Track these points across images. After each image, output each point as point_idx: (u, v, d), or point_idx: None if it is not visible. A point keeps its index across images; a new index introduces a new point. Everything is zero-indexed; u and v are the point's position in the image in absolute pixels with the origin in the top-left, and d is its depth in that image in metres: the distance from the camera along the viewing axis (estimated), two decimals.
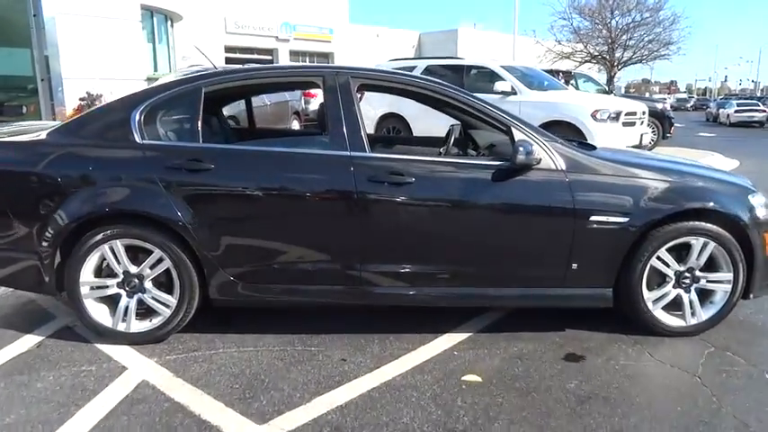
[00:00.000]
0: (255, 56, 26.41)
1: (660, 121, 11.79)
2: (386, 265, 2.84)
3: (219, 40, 24.76)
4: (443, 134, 3.86)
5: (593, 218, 2.78)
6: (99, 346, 2.83)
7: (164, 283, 2.82)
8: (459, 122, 3.80)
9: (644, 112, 8.77)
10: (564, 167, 2.83)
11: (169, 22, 17.39)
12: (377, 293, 2.89)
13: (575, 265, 2.84)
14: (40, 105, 10.73)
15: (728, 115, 25.73)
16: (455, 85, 3.21)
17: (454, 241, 2.83)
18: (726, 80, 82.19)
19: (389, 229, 2.81)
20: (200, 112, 2.85)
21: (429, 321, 3.12)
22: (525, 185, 2.80)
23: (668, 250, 2.88)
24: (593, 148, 3.26)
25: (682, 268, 2.94)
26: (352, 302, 2.95)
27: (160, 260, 2.76)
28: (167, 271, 2.78)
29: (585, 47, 25.40)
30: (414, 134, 8.85)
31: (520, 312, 3.26)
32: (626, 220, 2.79)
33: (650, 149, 9.20)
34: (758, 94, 49.65)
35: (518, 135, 2.85)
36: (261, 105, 9.63)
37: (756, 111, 25.62)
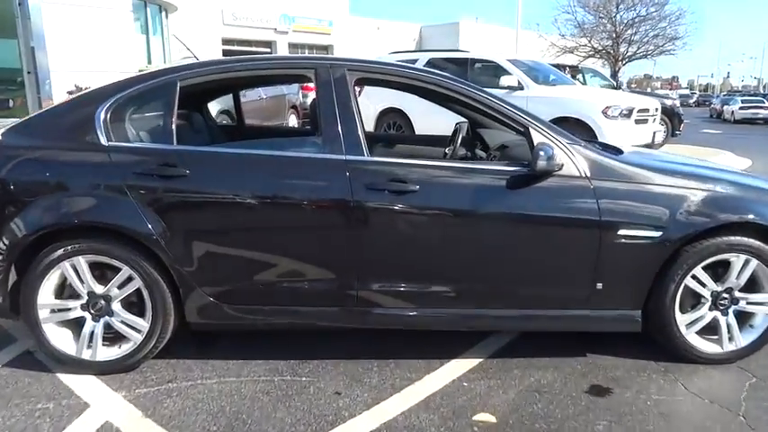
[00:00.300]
0: (253, 48, 25.98)
1: (670, 117, 11.43)
2: (386, 284, 2.51)
3: (217, 32, 24.31)
4: (449, 132, 3.55)
5: (621, 231, 2.46)
6: (61, 376, 2.50)
7: (135, 304, 2.49)
8: (466, 120, 3.47)
9: (657, 109, 8.41)
10: (588, 173, 2.50)
11: (163, 13, 16.92)
12: (376, 315, 2.56)
13: (599, 285, 2.51)
14: (27, 99, 10.32)
15: (733, 112, 25.41)
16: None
17: (463, 257, 2.50)
18: (728, 76, 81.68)
19: (390, 244, 2.48)
20: (175, 109, 2.51)
21: (433, 345, 2.79)
22: (545, 194, 2.47)
23: (704, 268, 2.56)
24: (619, 151, 2.91)
25: (719, 288, 2.61)
26: (347, 325, 2.62)
27: (129, 279, 2.43)
28: (138, 291, 2.45)
29: (590, 41, 25.05)
30: (416, 131, 8.51)
31: (534, 334, 2.92)
32: (659, 234, 2.47)
33: (659, 147, 8.85)
34: (762, 91, 49.20)
35: (537, 137, 2.51)
36: (256, 99, 9.27)
37: (761, 108, 25.28)
